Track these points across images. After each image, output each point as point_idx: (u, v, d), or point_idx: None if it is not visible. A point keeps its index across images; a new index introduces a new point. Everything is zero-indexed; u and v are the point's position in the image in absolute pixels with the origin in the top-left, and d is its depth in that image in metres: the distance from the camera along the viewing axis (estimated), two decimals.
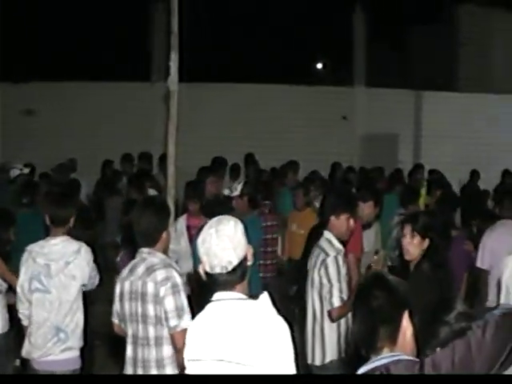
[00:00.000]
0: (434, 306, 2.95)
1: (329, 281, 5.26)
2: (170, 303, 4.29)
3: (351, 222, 5.54)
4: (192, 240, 6.57)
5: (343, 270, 5.31)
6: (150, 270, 4.37)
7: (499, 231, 6.77)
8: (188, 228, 7.58)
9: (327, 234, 5.51)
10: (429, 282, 4.89)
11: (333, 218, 5.51)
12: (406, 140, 16.75)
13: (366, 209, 6.91)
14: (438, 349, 2.78)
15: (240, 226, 3.23)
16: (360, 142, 16.46)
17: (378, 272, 3.56)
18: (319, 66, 29.52)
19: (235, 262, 3.14)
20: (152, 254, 4.48)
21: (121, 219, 7.88)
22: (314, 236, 6.18)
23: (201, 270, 3.22)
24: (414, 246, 5.17)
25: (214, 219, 3.28)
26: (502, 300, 4.82)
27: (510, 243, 5.87)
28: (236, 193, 7.71)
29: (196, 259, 4.53)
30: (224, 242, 3.13)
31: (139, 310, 4.38)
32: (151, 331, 4.36)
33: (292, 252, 8.71)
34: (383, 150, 15.98)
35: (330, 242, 5.45)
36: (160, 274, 4.34)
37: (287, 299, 7.91)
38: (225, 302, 3.19)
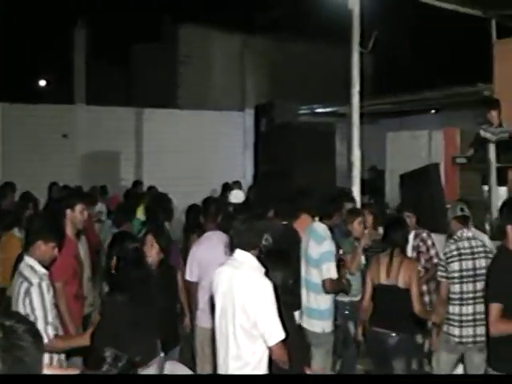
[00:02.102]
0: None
1: (32, 312, 4.88)
2: None
3: (56, 251, 5.29)
4: None
5: (48, 297, 4.98)
6: None
7: (206, 244, 6.86)
8: None
9: (28, 260, 5.18)
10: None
11: (40, 242, 5.20)
12: (128, 157, 16.80)
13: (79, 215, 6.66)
14: None
15: None
16: (81, 160, 16.20)
17: None
18: (42, 83, 28.72)
19: None
20: None
21: None
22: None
23: None
24: (154, 255, 5.71)
25: None
26: (217, 313, 4.86)
27: (216, 254, 5.92)
28: None
29: None
30: None
31: None
32: None
33: None
34: (105, 168, 15.91)
35: (32, 267, 5.10)
36: None
37: None
38: None
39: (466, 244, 6.32)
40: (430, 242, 7.67)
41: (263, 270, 4.67)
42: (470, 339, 6.22)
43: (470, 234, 6.44)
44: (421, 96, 16.56)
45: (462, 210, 6.60)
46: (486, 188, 9.31)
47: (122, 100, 17.90)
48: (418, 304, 6.16)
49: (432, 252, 7.57)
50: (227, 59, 20.22)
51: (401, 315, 6.18)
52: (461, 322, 6.25)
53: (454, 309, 6.27)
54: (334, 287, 6.73)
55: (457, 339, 6.25)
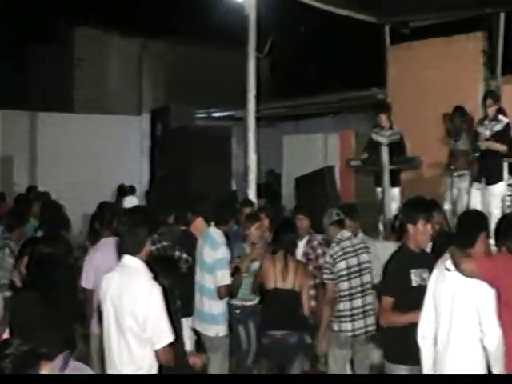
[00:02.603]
0: None
1: None
2: None
3: None
4: None
5: None
6: None
7: (102, 250, 6.75)
8: None
9: None
10: None
11: None
12: (21, 162, 16.34)
13: None
14: None
15: None
16: None
17: None
18: None
19: None
20: None
21: None
22: None
23: None
24: None
25: None
26: (107, 319, 4.80)
27: (112, 261, 5.77)
28: None
29: None
30: None
31: None
32: None
33: None
34: None
35: None
36: None
37: None
38: None
39: (348, 243, 6.63)
40: (319, 251, 7.63)
41: (151, 274, 4.66)
42: (363, 330, 6.53)
43: (349, 234, 6.73)
44: (317, 100, 16.86)
45: (337, 214, 6.85)
46: (379, 190, 9.52)
47: (16, 103, 17.35)
48: (308, 306, 6.49)
49: (321, 261, 7.60)
50: (124, 62, 20.00)
51: (296, 316, 6.42)
52: (352, 316, 6.51)
53: (344, 305, 6.52)
54: (228, 293, 6.77)
55: (350, 333, 6.51)
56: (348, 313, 6.50)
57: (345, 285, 6.50)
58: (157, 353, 4.52)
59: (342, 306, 6.51)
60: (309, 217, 7.76)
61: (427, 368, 4.60)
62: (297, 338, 6.36)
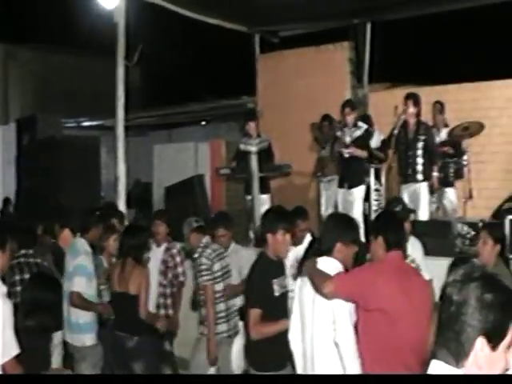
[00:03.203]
0: None
1: None
2: None
3: None
4: None
5: None
6: None
7: None
8: None
9: None
10: None
11: None
12: None
13: None
14: None
15: None
16: None
17: None
18: None
19: None
20: None
21: None
22: None
23: None
24: None
25: None
26: None
27: None
28: None
29: None
30: None
31: None
32: None
33: None
34: None
35: None
36: None
37: None
38: None
39: (215, 246, 6.62)
40: (178, 259, 7.62)
41: (4, 289, 4.59)
42: (234, 330, 6.58)
43: (210, 240, 6.72)
44: (188, 108, 16.85)
45: (196, 221, 6.89)
46: (249, 197, 9.59)
47: None
48: (144, 310, 6.41)
49: (179, 269, 7.57)
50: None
51: (135, 320, 6.37)
52: (227, 316, 6.52)
53: (220, 306, 6.48)
54: (81, 303, 6.68)
55: (225, 334, 6.48)
56: (224, 314, 6.45)
57: (221, 285, 6.46)
58: (3, 368, 4.45)
59: (218, 307, 6.44)
60: (167, 223, 7.68)
61: (300, 370, 4.66)
62: (135, 342, 6.33)
